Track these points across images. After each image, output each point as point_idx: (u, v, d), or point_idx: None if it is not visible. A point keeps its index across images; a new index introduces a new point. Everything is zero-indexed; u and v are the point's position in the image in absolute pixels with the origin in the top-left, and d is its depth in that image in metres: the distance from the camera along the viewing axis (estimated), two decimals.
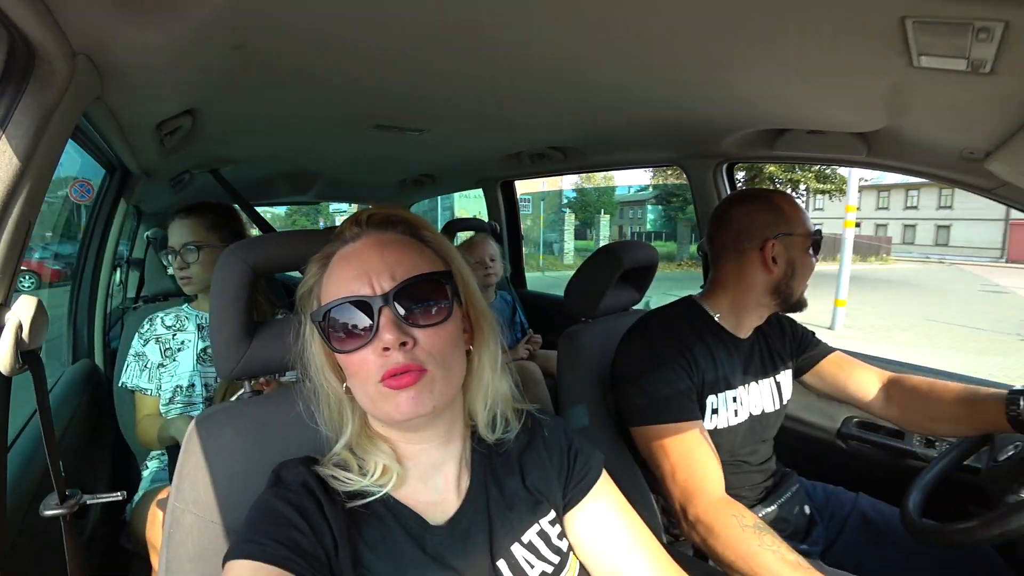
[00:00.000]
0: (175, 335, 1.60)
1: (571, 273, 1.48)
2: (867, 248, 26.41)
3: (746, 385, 1.26)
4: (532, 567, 0.69)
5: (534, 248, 21.13)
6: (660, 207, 27.20)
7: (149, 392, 1.55)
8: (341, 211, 12.93)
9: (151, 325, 1.60)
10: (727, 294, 1.27)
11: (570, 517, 0.76)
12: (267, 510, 0.62)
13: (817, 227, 1.24)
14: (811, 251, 1.23)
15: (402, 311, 0.62)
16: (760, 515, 1.18)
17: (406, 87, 1.19)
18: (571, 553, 0.74)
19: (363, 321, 0.62)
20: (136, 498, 1.49)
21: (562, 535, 0.74)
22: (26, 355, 0.65)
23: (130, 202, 2.00)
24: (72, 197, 2.10)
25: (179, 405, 1.54)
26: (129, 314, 2.10)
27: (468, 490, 0.71)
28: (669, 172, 21.11)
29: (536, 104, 1.36)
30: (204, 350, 1.59)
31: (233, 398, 0.89)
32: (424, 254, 0.68)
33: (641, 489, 1.26)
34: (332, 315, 0.63)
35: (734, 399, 1.23)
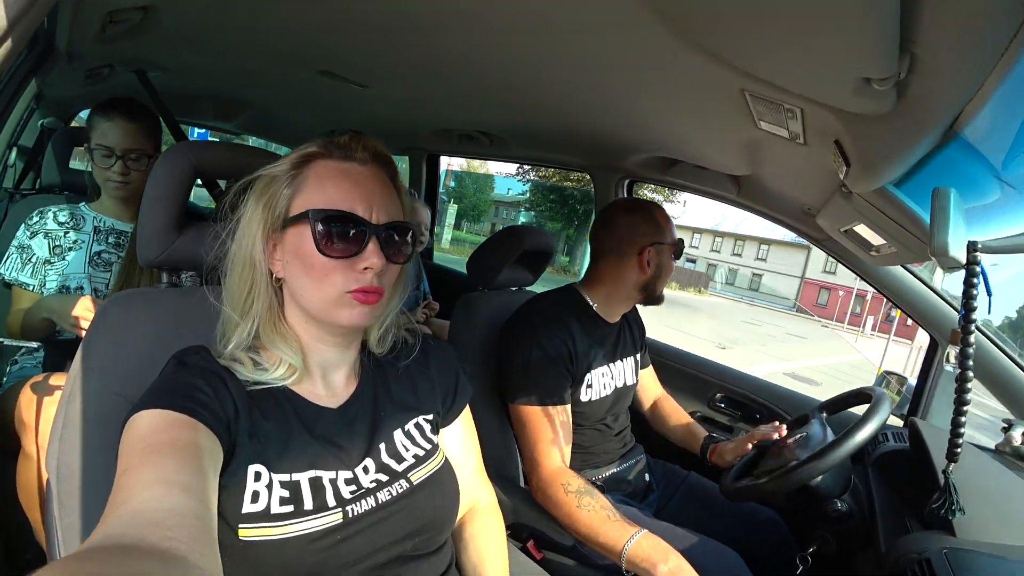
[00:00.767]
0: (67, 233, 1.52)
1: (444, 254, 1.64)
2: (688, 279, 32.82)
3: (614, 362, 1.49)
4: (407, 450, 0.81)
5: None
6: (532, 212, 26.94)
7: (31, 288, 1.47)
8: None
9: (41, 218, 1.51)
10: (604, 287, 1.48)
11: (442, 430, 0.92)
12: (170, 378, 0.68)
13: (679, 237, 1.47)
14: (674, 257, 1.47)
15: (385, 244, 0.73)
16: (607, 473, 1.46)
17: (358, 40, 1.25)
18: (439, 447, 0.88)
19: (355, 237, 0.70)
20: (5, 384, 1.45)
21: (433, 431, 0.88)
22: None
23: (42, 84, 1.87)
24: None
25: None
26: (16, 203, 1.97)
27: (357, 388, 0.82)
28: (544, 172, 22.10)
29: (471, 86, 1.47)
30: (98, 254, 1.53)
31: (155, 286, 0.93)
32: (398, 200, 0.78)
33: (509, 444, 1.43)
34: (332, 219, 0.70)
35: (603, 374, 1.45)
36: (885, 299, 1.62)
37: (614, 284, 1.46)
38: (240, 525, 0.64)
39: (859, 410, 1.25)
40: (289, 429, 0.72)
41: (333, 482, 0.72)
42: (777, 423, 1.43)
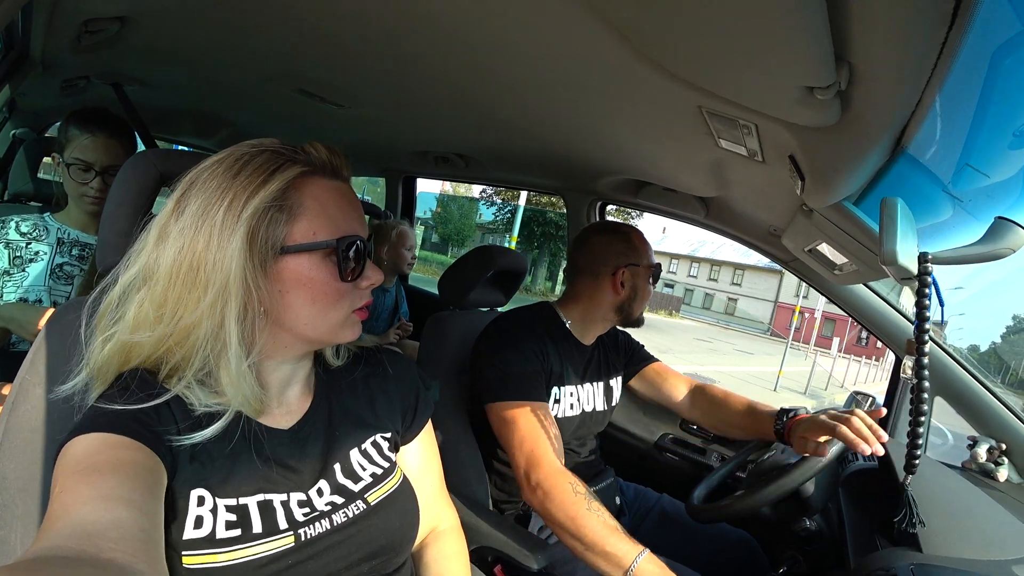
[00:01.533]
0: (29, 244, 1.46)
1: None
2: (659, 302, 34.15)
3: (583, 385, 1.46)
4: (364, 469, 0.78)
5: None
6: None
7: None
8: None
9: (3, 228, 1.44)
10: (579, 306, 1.47)
11: (402, 448, 0.90)
12: (109, 401, 0.62)
13: (657, 262, 1.47)
14: (651, 280, 1.46)
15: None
16: None
17: (334, 59, 1.26)
18: (397, 466, 0.85)
19: (359, 257, 0.70)
20: None
21: (392, 449, 0.85)
22: None
23: (15, 90, 1.85)
24: None
25: None
26: None
27: (311, 405, 0.79)
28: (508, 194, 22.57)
29: (447, 107, 1.48)
30: (61, 266, 1.48)
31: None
32: None
33: (477, 465, 1.40)
34: (350, 246, 0.69)
35: (571, 394, 1.42)
36: (851, 321, 1.65)
37: (589, 303, 1.46)
38: (184, 552, 0.61)
39: None
40: (235, 452, 0.68)
41: (285, 504, 0.69)
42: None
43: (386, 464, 0.82)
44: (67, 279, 1.50)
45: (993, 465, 1.40)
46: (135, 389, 0.64)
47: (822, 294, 1.63)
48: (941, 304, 0.76)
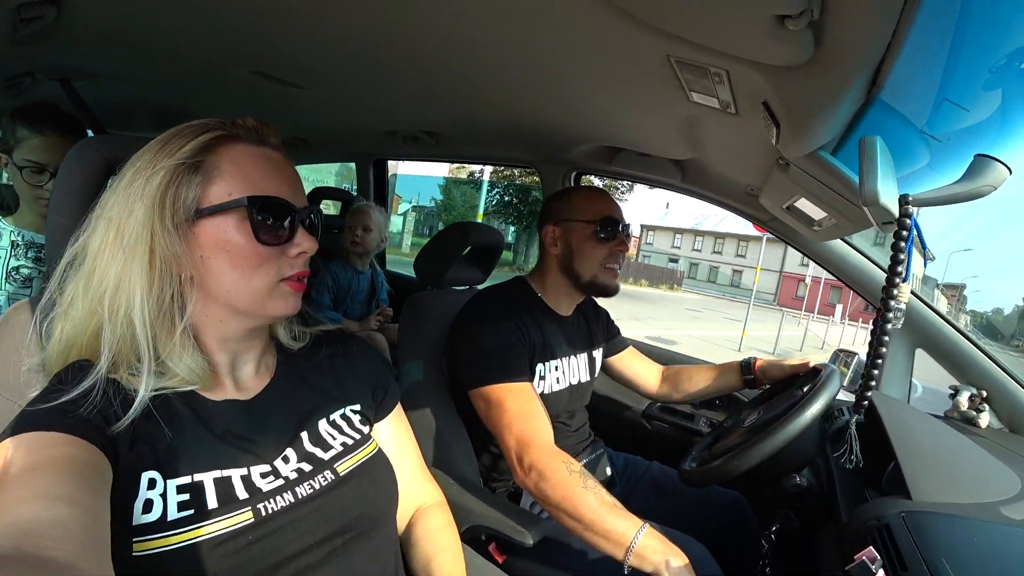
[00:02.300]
0: None
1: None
2: (658, 276, 34.34)
3: (567, 357, 1.44)
4: (334, 439, 0.76)
5: None
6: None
7: None
8: None
9: None
10: (540, 274, 1.45)
11: (376, 427, 0.87)
12: (42, 399, 0.60)
13: (605, 217, 1.34)
14: (595, 238, 1.35)
15: (309, 228, 0.71)
16: None
17: (290, 37, 1.20)
18: (371, 438, 0.83)
19: (284, 222, 0.68)
20: None
21: (364, 423, 0.82)
22: None
23: None
24: None
25: None
26: None
27: (271, 382, 0.76)
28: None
29: (411, 84, 1.44)
30: (16, 269, 1.44)
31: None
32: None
33: (465, 445, 1.37)
34: (266, 206, 0.66)
35: (556, 368, 1.39)
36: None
37: (543, 271, 1.45)
38: (134, 539, 0.58)
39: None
40: (183, 429, 0.65)
41: (246, 479, 0.66)
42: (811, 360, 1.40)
43: (357, 436, 0.79)
44: (24, 282, 1.44)
45: (974, 412, 1.41)
46: (69, 381, 0.62)
47: (802, 253, 1.62)
48: (924, 247, 0.75)
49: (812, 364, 1.38)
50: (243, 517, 0.64)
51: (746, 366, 1.50)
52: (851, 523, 0.97)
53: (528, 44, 0.97)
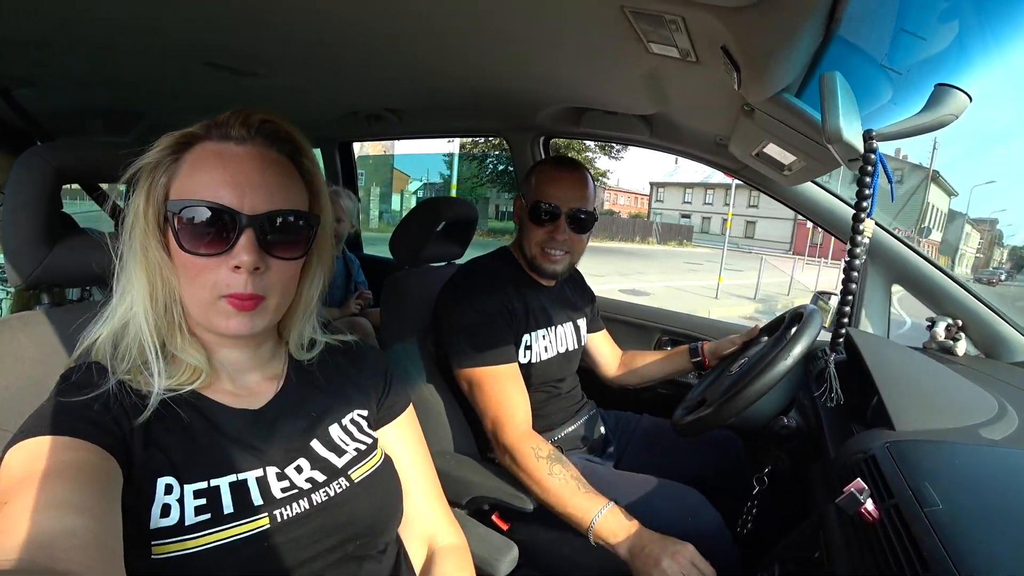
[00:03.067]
0: None
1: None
2: (668, 233, 34.15)
3: (553, 326, 1.44)
4: (347, 444, 0.75)
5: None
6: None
7: None
8: None
9: None
10: (518, 242, 1.45)
11: (378, 433, 0.85)
12: (51, 402, 0.60)
13: (538, 202, 1.33)
14: (531, 218, 1.35)
15: (264, 237, 0.63)
16: (564, 433, 1.43)
17: (239, 23, 1.16)
18: (378, 443, 0.81)
19: (223, 231, 0.61)
20: None
21: (371, 427, 0.82)
22: None
23: None
24: None
25: None
26: None
27: (281, 390, 0.75)
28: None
29: (368, 62, 1.40)
30: None
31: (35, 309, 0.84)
32: (299, 185, 0.68)
33: (459, 420, 1.39)
34: (191, 213, 0.61)
35: (543, 337, 1.41)
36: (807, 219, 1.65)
37: (519, 240, 1.45)
38: (153, 542, 0.58)
39: None
40: (196, 434, 0.65)
41: (261, 481, 0.66)
42: (758, 326, 1.47)
43: (368, 440, 0.79)
44: None
45: (951, 341, 1.44)
46: (77, 383, 0.61)
47: (776, 199, 1.62)
48: (890, 180, 0.75)
49: (759, 331, 1.46)
50: (260, 523, 0.63)
51: (694, 350, 1.57)
52: (838, 458, 0.99)
53: (480, 10, 0.94)
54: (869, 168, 0.72)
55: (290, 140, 0.68)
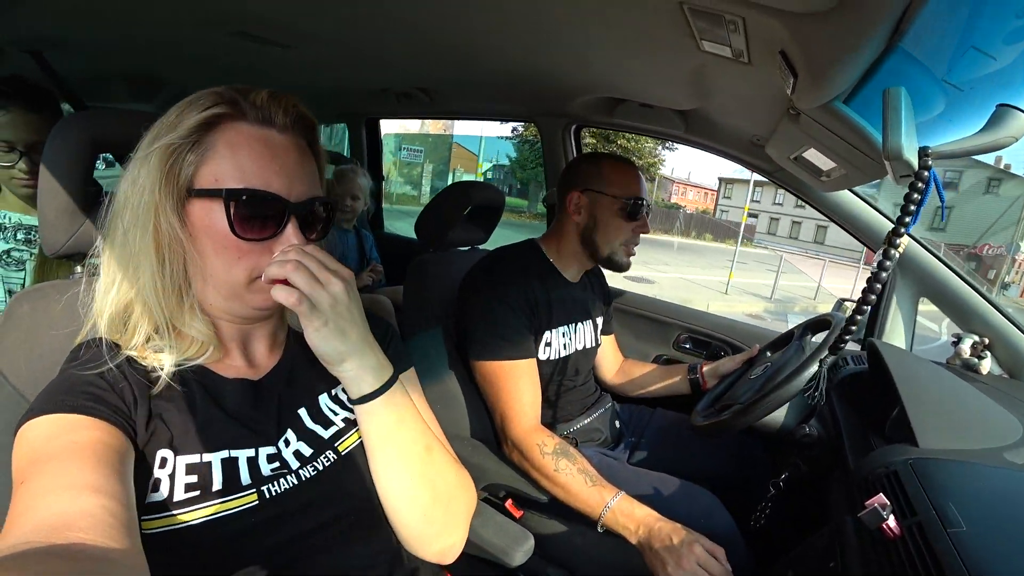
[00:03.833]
0: None
1: None
2: (726, 232, 32.73)
3: (573, 324, 1.44)
4: (336, 415, 0.76)
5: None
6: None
7: None
8: None
9: None
10: (555, 238, 1.44)
11: None
12: (59, 380, 0.61)
13: (635, 198, 1.35)
14: (622, 215, 1.36)
15: (304, 223, 0.67)
16: (580, 425, 1.45)
17: None
18: None
19: (273, 218, 0.64)
20: None
21: None
22: None
23: None
24: None
25: None
26: None
27: (280, 360, 0.76)
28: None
29: (402, 39, 1.39)
30: (7, 252, 1.41)
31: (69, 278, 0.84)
32: (316, 170, 0.71)
33: (477, 406, 1.39)
34: (247, 199, 0.62)
35: (563, 334, 1.41)
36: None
37: (559, 236, 1.43)
38: (142, 517, 0.58)
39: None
40: (195, 409, 0.66)
41: (252, 460, 0.67)
42: (758, 346, 1.47)
43: None
44: (17, 264, 1.42)
45: (976, 359, 1.43)
46: (86, 360, 0.62)
47: (806, 202, 1.60)
48: (942, 201, 0.74)
49: (760, 350, 1.48)
50: (247, 499, 0.64)
51: (692, 369, 1.59)
52: (859, 470, 0.99)
53: None
54: (920, 185, 0.70)
55: (312, 128, 0.71)
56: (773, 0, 0.61)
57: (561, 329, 1.40)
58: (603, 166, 1.37)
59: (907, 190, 0.78)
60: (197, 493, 0.61)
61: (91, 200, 0.81)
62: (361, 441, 0.75)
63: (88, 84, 2.31)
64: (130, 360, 0.64)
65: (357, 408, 0.70)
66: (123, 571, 0.44)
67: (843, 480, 1.06)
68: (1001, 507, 0.79)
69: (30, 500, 0.47)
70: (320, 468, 0.71)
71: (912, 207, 0.78)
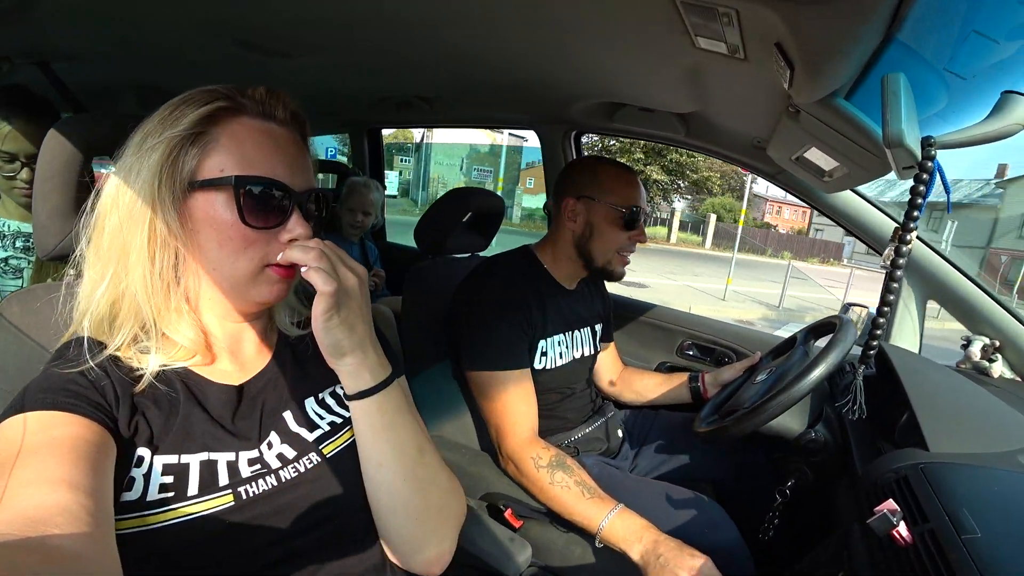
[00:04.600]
0: None
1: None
2: (811, 249, 31.34)
3: (569, 332, 1.42)
4: (322, 418, 0.75)
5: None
6: None
7: None
8: None
9: None
10: (550, 245, 1.42)
11: None
12: (41, 378, 0.60)
13: (632, 207, 1.32)
14: (619, 224, 1.33)
15: (306, 212, 0.68)
16: (581, 434, 1.41)
17: (272, 3, 1.15)
18: None
19: (278, 207, 0.65)
20: None
21: None
22: None
23: None
24: None
25: None
26: None
27: (268, 363, 0.75)
28: None
29: (401, 47, 1.38)
30: (6, 260, 1.42)
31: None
32: (311, 166, 0.72)
33: (476, 421, 1.37)
34: (256, 188, 0.63)
35: (559, 343, 1.38)
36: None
37: (554, 243, 1.41)
38: (115, 517, 0.56)
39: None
40: (177, 409, 0.64)
41: (232, 464, 0.65)
42: (759, 353, 1.44)
43: (346, 413, 0.77)
44: (15, 272, 1.42)
45: (987, 362, 1.40)
46: (71, 358, 0.61)
47: (810, 205, 1.58)
48: (947, 190, 0.72)
49: (759, 357, 1.46)
50: (222, 500, 0.62)
51: (693, 377, 1.57)
52: (867, 476, 0.96)
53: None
54: (925, 177, 0.68)
55: (305, 123, 0.72)
56: None
57: (557, 338, 1.37)
58: (600, 172, 1.35)
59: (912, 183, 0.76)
60: (172, 494, 0.60)
61: (85, 203, 0.81)
62: (347, 446, 0.73)
63: (94, 94, 2.33)
64: (114, 359, 0.63)
65: (352, 405, 0.69)
66: (95, 567, 0.43)
67: (851, 486, 1.03)
68: (1017, 512, 0.76)
69: (6, 494, 0.46)
70: (301, 470, 0.69)
71: (919, 199, 0.76)
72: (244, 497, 0.64)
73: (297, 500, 0.67)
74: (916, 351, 1.49)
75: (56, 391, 0.57)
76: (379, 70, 1.69)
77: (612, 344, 1.69)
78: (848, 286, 13.78)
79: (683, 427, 1.55)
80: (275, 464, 0.68)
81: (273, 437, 0.70)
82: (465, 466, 1.25)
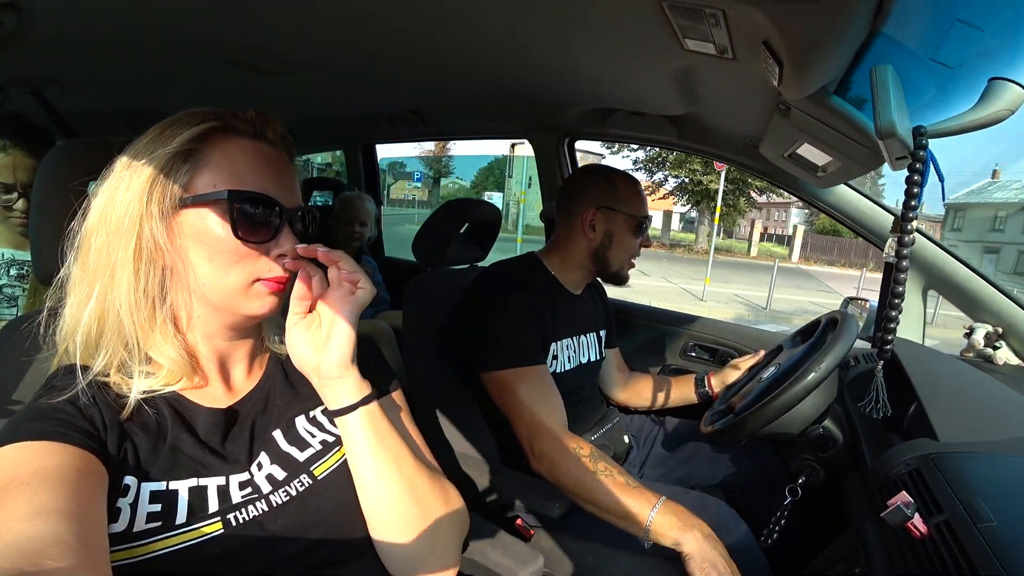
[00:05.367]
0: None
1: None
2: (843, 251, 28.85)
3: (577, 336, 1.42)
4: (313, 437, 0.74)
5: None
6: None
7: None
8: None
9: None
10: (558, 253, 1.42)
11: None
12: (29, 408, 0.59)
13: (645, 216, 1.39)
14: (634, 233, 1.38)
15: (295, 228, 0.69)
16: (589, 441, 1.36)
17: (262, 20, 1.16)
18: None
19: (269, 222, 0.66)
20: None
21: None
22: None
23: None
24: None
25: None
26: None
27: (258, 383, 0.75)
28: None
29: (393, 62, 1.39)
30: (0, 288, 1.42)
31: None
32: (299, 186, 0.73)
33: (481, 424, 1.35)
34: (251, 202, 0.64)
35: (568, 347, 1.38)
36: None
37: (565, 250, 1.41)
38: None
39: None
40: (165, 435, 0.63)
41: (223, 489, 0.64)
42: (763, 351, 1.44)
43: (338, 432, 0.75)
44: (10, 301, 1.41)
45: (991, 350, 1.39)
46: (58, 387, 0.60)
47: (805, 201, 1.58)
48: (941, 180, 0.72)
49: (763, 355, 1.46)
50: (211, 528, 0.61)
51: (700, 380, 1.58)
52: (878, 469, 0.96)
53: (510, 5, 0.93)
54: (918, 167, 0.68)
55: (292, 145, 0.74)
56: None
57: (566, 341, 1.37)
58: (618, 184, 1.37)
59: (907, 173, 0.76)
60: (159, 523, 0.59)
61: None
62: (339, 465, 0.72)
63: (88, 120, 2.34)
64: (102, 385, 0.63)
65: (339, 421, 0.70)
66: None
67: (861, 481, 1.02)
68: None
69: (0, 526, 0.45)
70: (293, 494, 0.68)
71: (915, 189, 0.76)
72: (233, 524, 0.62)
73: (288, 526, 0.66)
74: (919, 342, 1.49)
75: (45, 420, 0.56)
76: (371, 86, 1.70)
77: (616, 350, 1.68)
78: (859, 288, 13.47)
79: (690, 431, 1.54)
80: (266, 488, 0.67)
81: (263, 457, 0.69)
82: (471, 476, 1.24)
